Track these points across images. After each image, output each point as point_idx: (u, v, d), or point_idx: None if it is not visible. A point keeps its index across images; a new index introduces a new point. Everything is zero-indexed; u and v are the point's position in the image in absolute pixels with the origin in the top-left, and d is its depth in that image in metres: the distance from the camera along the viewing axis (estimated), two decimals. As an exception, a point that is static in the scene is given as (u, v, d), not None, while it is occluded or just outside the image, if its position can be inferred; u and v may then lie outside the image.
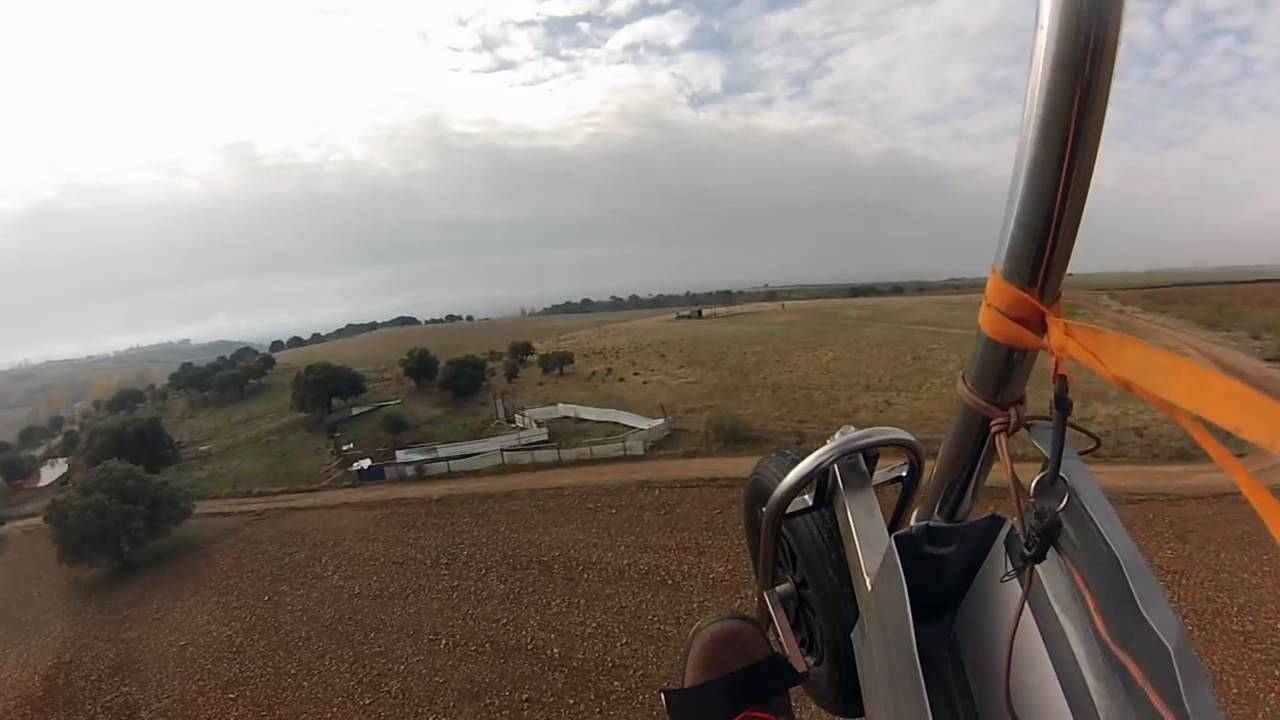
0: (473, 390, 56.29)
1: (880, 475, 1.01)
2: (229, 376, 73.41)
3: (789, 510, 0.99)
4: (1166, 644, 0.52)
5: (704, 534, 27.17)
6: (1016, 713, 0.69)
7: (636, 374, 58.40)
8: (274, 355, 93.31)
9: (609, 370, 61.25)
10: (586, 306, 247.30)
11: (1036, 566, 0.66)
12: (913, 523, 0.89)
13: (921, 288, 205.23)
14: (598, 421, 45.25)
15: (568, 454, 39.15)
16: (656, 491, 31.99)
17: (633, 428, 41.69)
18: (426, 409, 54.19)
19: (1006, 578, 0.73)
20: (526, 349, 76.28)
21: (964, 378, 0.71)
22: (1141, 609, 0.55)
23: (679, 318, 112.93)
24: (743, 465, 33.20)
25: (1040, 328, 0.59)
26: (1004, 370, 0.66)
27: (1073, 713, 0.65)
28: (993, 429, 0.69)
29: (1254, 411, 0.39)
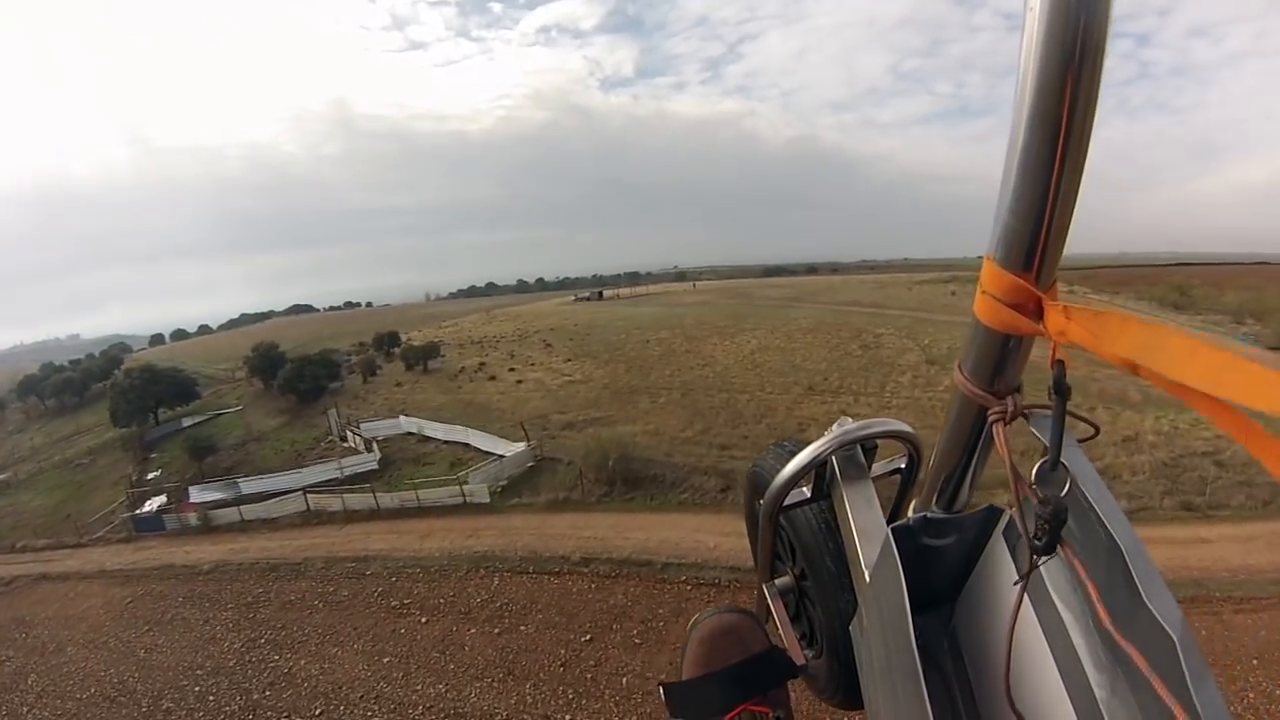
0: (317, 394, 44.95)
1: (879, 467, 0.97)
2: (65, 381, 60.71)
3: (787, 502, 0.96)
4: (1171, 634, 0.50)
5: (559, 691, 14.74)
6: (1016, 704, 0.67)
7: (512, 370, 45.98)
8: (123, 356, 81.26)
9: (481, 365, 48.52)
10: (490, 290, 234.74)
11: (1034, 556, 0.64)
12: (910, 514, 0.87)
13: (835, 268, 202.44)
14: (445, 442, 33.44)
15: (388, 500, 26.75)
16: (496, 580, 19.49)
17: (488, 454, 29.66)
18: (265, 418, 44.00)
19: (1019, 581, 0.72)
20: (393, 340, 62.04)
21: (960, 367, 0.69)
22: (1145, 598, 0.53)
23: (577, 300, 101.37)
24: (635, 528, 21.07)
25: (1037, 313, 0.57)
26: (1001, 358, 0.65)
27: (1073, 703, 0.64)
28: (990, 418, 0.67)
29: None
